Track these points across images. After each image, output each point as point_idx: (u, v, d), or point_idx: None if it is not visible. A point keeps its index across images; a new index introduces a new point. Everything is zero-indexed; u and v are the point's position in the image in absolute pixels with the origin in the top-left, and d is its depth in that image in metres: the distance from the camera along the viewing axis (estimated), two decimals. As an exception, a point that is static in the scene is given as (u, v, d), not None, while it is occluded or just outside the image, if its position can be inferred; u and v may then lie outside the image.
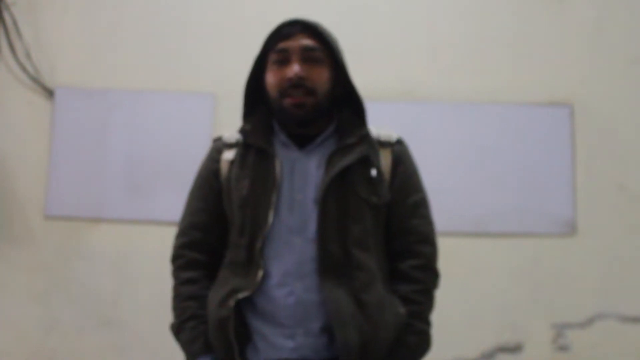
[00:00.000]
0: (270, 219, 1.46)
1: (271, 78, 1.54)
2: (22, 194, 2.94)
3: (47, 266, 2.90)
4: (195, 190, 1.65)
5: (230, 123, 2.95)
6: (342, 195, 1.47)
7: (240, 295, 1.43)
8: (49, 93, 3.00)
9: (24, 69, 3.00)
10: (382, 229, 1.54)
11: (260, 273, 1.43)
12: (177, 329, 1.56)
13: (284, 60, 1.52)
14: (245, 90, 1.64)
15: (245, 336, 1.44)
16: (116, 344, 2.86)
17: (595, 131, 2.96)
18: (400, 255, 1.54)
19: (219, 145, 1.63)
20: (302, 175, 1.51)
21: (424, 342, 1.52)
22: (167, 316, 2.84)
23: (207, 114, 2.98)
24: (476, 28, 3.04)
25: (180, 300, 1.57)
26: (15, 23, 3.00)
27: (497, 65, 3.01)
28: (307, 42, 1.53)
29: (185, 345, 1.53)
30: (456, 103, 2.98)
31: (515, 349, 2.85)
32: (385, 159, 1.56)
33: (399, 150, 1.59)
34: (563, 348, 2.84)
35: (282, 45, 1.54)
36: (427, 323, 1.53)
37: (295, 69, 1.49)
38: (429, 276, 1.55)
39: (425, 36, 3.05)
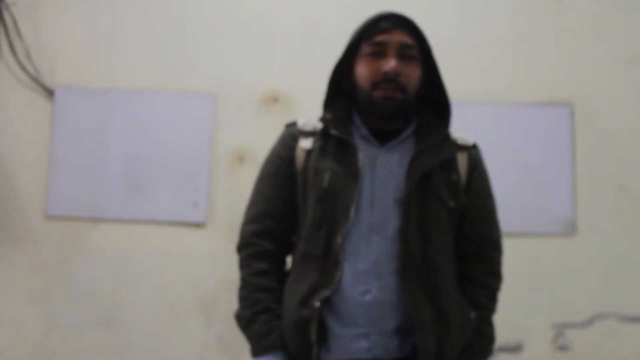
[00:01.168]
0: (352, 214, 1.44)
1: (364, 69, 1.52)
2: (22, 194, 2.94)
3: (47, 266, 2.90)
4: (268, 177, 1.59)
5: (230, 123, 2.97)
6: (423, 196, 1.47)
7: (324, 295, 1.41)
8: (49, 93, 3.00)
9: (24, 69, 3.00)
10: (454, 232, 1.55)
11: (339, 271, 1.42)
12: (248, 320, 1.50)
13: (380, 53, 1.51)
14: (330, 80, 1.61)
15: (322, 336, 1.43)
16: (116, 344, 2.86)
17: (595, 131, 2.96)
18: (471, 259, 1.57)
19: (293, 132, 1.60)
20: (384, 171, 1.50)
21: (490, 346, 1.58)
22: (167, 316, 2.86)
23: (207, 113, 2.98)
24: (476, 28, 3.04)
25: (252, 290, 1.51)
26: (15, 23, 3.00)
27: (496, 65, 3.01)
28: (405, 38, 1.52)
29: (257, 337, 1.48)
30: (456, 103, 2.94)
31: (515, 348, 2.85)
32: (462, 162, 1.57)
33: (475, 155, 1.62)
34: (563, 348, 2.84)
35: (380, 38, 1.52)
36: (492, 327, 1.59)
37: (392, 63, 1.48)
38: (496, 281, 1.61)
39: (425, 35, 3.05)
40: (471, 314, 1.51)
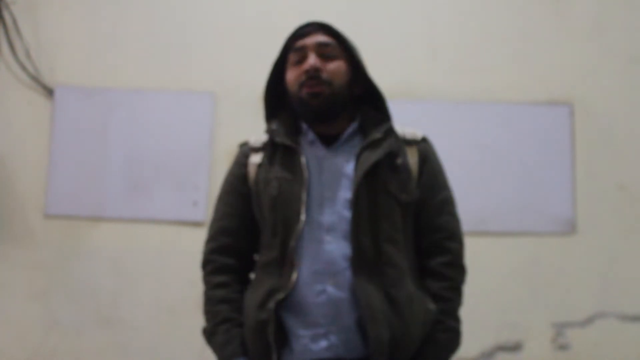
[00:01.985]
0: (303, 217, 1.46)
1: (290, 75, 1.58)
2: (22, 193, 2.94)
3: (46, 265, 2.90)
4: (224, 196, 1.65)
5: (230, 122, 2.97)
6: (372, 192, 1.49)
7: (279, 297, 1.43)
8: (49, 92, 3.00)
9: (23, 68, 3.00)
10: (411, 226, 1.56)
11: (295, 273, 1.44)
12: (210, 332, 1.54)
13: (302, 58, 1.57)
14: (265, 94, 1.69)
15: (281, 338, 1.44)
16: (116, 343, 2.86)
17: (595, 130, 2.96)
18: (428, 252, 1.57)
19: (245, 150, 1.66)
20: (331, 172, 1.53)
21: (455, 339, 1.56)
22: (167, 315, 2.86)
23: (207, 113, 2.98)
24: (476, 27, 3.04)
25: (212, 304, 1.56)
26: (15, 22, 3.00)
27: (496, 64, 3.01)
28: (322, 38, 1.58)
29: (219, 347, 1.51)
30: (456, 102, 2.98)
31: (515, 348, 2.85)
32: (412, 156, 1.58)
33: (424, 148, 1.62)
34: (563, 347, 2.84)
35: (299, 43, 1.58)
36: (457, 320, 1.57)
37: (311, 60, 1.54)
38: (457, 272, 1.59)
39: (425, 35, 3.05)
40: (430, 305, 1.51)
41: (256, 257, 1.61)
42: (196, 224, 2.91)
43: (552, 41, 3.02)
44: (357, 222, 1.46)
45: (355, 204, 1.47)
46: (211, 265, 1.60)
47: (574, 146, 2.95)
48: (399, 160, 1.54)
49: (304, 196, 1.48)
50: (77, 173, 2.94)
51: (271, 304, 1.43)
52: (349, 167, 1.52)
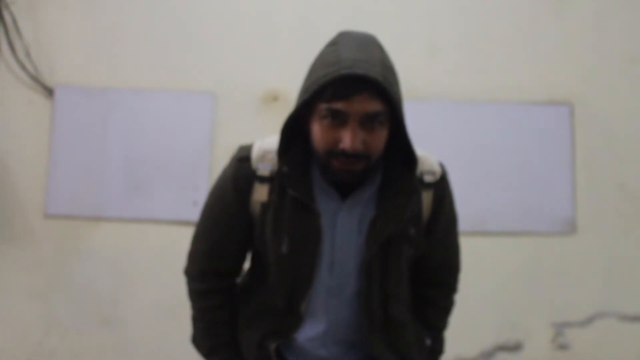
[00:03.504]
0: (315, 280, 1.38)
1: (319, 134, 1.29)
2: (22, 193, 2.94)
3: (46, 265, 2.90)
4: (220, 218, 1.46)
5: (230, 122, 2.97)
6: (385, 256, 1.40)
7: (277, 341, 1.42)
8: (49, 92, 3.00)
9: (23, 68, 3.00)
10: (412, 263, 1.50)
11: (299, 328, 1.42)
12: (209, 351, 1.51)
13: (338, 123, 1.26)
14: (283, 129, 1.35)
15: None
16: (116, 343, 2.86)
17: (595, 130, 2.96)
18: (431, 285, 1.55)
19: (248, 174, 1.40)
20: (344, 232, 1.38)
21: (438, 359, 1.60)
22: (167, 315, 2.86)
23: (207, 112, 2.98)
24: (476, 27, 3.04)
25: (210, 324, 1.51)
26: (14, 22, 3.00)
27: (496, 64, 3.01)
28: (369, 106, 1.24)
29: None
30: (456, 102, 2.98)
31: (515, 347, 2.85)
32: (426, 200, 1.44)
33: (441, 189, 1.46)
34: (563, 347, 2.84)
35: (339, 106, 1.24)
36: (442, 344, 1.61)
37: (352, 142, 1.25)
38: (452, 300, 1.61)
39: (425, 35, 3.05)
40: (427, 341, 1.52)
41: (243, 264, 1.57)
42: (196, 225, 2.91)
43: (552, 41, 3.02)
44: (368, 293, 1.39)
45: (368, 275, 1.38)
46: (204, 285, 1.50)
47: (574, 146, 2.95)
48: (412, 231, 1.41)
49: (317, 260, 1.36)
50: (77, 173, 2.94)
51: (271, 346, 1.42)
52: (363, 228, 1.37)
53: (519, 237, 2.90)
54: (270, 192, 1.38)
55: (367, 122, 1.26)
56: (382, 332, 1.42)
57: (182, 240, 2.86)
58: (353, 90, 1.23)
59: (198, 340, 1.54)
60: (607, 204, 2.91)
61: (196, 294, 1.52)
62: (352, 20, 2.99)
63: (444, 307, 1.58)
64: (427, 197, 1.43)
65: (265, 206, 1.39)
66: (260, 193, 1.39)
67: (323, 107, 1.26)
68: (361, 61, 1.23)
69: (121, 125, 2.98)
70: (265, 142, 1.43)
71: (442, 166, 1.48)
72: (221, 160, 2.97)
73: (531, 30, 3.03)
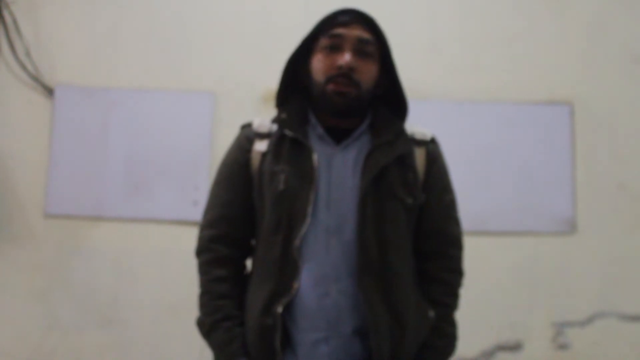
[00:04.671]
0: (309, 216, 1.41)
1: (319, 62, 1.50)
2: (22, 193, 2.94)
3: (47, 265, 2.90)
4: (224, 181, 1.57)
5: (230, 122, 2.96)
6: (379, 196, 1.44)
7: (283, 301, 1.40)
8: (49, 91, 3.00)
9: (23, 68, 3.00)
10: (412, 229, 1.52)
11: (298, 276, 1.40)
12: (210, 327, 1.49)
13: (336, 47, 1.48)
14: (282, 75, 1.59)
15: (284, 342, 1.41)
16: (116, 343, 2.86)
17: (595, 130, 2.96)
18: (429, 257, 1.54)
19: (249, 134, 1.57)
20: (339, 172, 1.47)
21: (451, 344, 1.55)
22: (167, 315, 2.86)
23: (207, 112, 2.98)
24: (476, 26, 3.04)
25: (213, 297, 1.50)
26: (15, 21, 3.00)
27: (497, 63, 3.01)
28: (362, 33, 1.49)
29: (220, 345, 1.48)
30: (456, 101, 2.99)
31: (515, 347, 2.85)
32: (419, 157, 1.53)
33: (433, 150, 1.57)
34: (563, 346, 2.84)
35: (337, 31, 1.49)
36: (453, 325, 1.55)
37: (347, 57, 1.46)
38: (456, 278, 1.57)
39: (426, 34, 3.05)
40: (430, 313, 1.49)
41: (252, 242, 1.57)
42: (196, 224, 2.89)
43: (552, 40, 3.02)
44: (362, 229, 1.42)
45: (362, 209, 1.42)
46: (210, 254, 1.53)
47: (574, 145, 2.95)
48: (410, 174, 1.49)
49: (312, 195, 1.42)
50: (77, 173, 2.94)
51: (277, 309, 1.40)
52: (357, 168, 1.46)
53: (519, 236, 2.90)
54: (269, 143, 1.52)
55: (360, 49, 1.47)
56: (377, 279, 1.41)
57: (182, 240, 2.89)
58: (350, 19, 1.49)
59: (200, 319, 1.52)
60: (607, 204, 2.91)
61: (204, 265, 1.54)
62: (352, 20, 2.99)
63: (445, 282, 1.54)
64: (419, 154, 1.54)
65: (264, 155, 1.51)
66: (260, 146, 1.53)
67: (324, 37, 1.49)
68: (357, 8, 1.52)
69: (121, 125, 2.98)
70: (263, 117, 1.62)
71: (433, 134, 1.60)
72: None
73: (531, 30, 3.03)
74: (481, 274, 2.86)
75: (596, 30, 3.02)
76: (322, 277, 1.42)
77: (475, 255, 2.96)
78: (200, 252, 1.56)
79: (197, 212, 2.91)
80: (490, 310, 2.85)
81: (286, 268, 1.42)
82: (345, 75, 1.45)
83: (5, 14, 2.99)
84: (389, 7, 3.04)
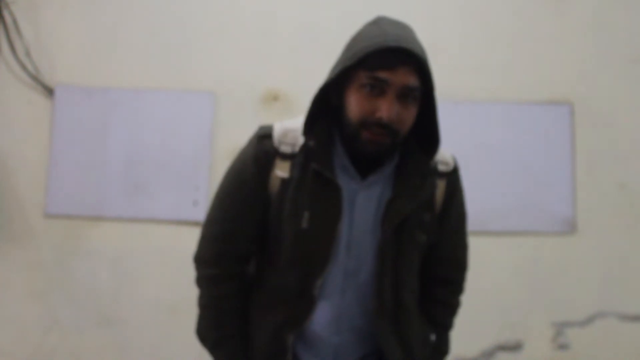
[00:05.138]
0: (332, 258, 1.38)
1: (356, 102, 1.33)
2: (22, 193, 2.94)
3: (46, 265, 2.90)
4: (235, 194, 1.45)
5: (230, 121, 2.97)
6: (398, 241, 1.41)
7: (294, 332, 1.39)
8: (49, 91, 3.00)
9: (23, 68, 3.00)
10: (422, 257, 1.51)
11: (313, 313, 1.40)
12: (215, 343, 1.47)
13: (377, 92, 1.30)
14: (314, 99, 1.39)
15: None
16: (116, 343, 2.86)
17: (595, 130, 2.96)
18: (439, 282, 1.55)
19: (269, 151, 1.41)
20: (361, 213, 1.40)
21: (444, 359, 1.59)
22: (167, 314, 2.86)
23: (207, 112, 2.98)
24: (476, 26, 3.04)
25: (219, 313, 1.47)
26: (15, 21, 3.00)
27: (497, 63, 3.01)
28: (409, 79, 1.30)
29: None
30: (456, 101, 2.98)
31: (515, 347, 2.85)
32: (440, 188, 1.48)
33: (454, 180, 1.52)
34: (563, 346, 2.84)
35: (382, 75, 1.29)
36: (448, 344, 1.60)
37: (390, 111, 1.29)
38: (459, 299, 1.61)
39: (425, 34, 3.03)
40: (432, 336, 1.53)
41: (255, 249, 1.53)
42: (196, 224, 2.91)
43: (552, 40, 3.02)
44: (381, 275, 1.39)
45: (381, 255, 1.39)
46: (218, 270, 1.47)
47: (575, 145, 2.95)
48: (426, 216, 1.44)
49: (336, 235, 1.36)
50: (77, 172, 2.94)
51: (289, 337, 1.39)
52: (380, 210, 1.39)
53: (519, 236, 2.90)
54: (292, 169, 1.39)
55: (404, 96, 1.31)
56: (390, 319, 1.42)
57: (182, 240, 2.89)
58: (398, 61, 1.29)
59: (203, 332, 1.49)
60: (607, 204, 2.91)
61: (208, 280, 1.48)
62: (351, 20, 2.99)
63: (451, 305, 1.58)
64: (440, 186, 1.47)
65: (285, 182, 1.39)
66: (282, 169, 1.40)
67: (365, 75, 1.30)
68: (405, 38, 1.31)
69: (121, 125, 2.98)
70: (285, 122, 1.45)
71: (454, 160, 1.53)
72: (221, 160, 2.98)
73: (531, 30, 3.03)
74: (481, 274, 2.86)
75: (596, 30, 3.02)
76: (335, 317, 1.42)
77: (475, 255, 2.95)
78: (204, 263, 1.49)
79: (197, 212, 2.92)
80: (490, 310, 2.85)
81: (301, 302, 1.40)
82: (384, 126, 1.31)
83: (5, 14, 3.00)
84: (389, 7, 3.04)
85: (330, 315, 1.41)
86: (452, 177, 1.51)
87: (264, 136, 1.44)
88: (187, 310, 2.85)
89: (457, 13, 3.05)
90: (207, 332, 1.49)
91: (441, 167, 1.48)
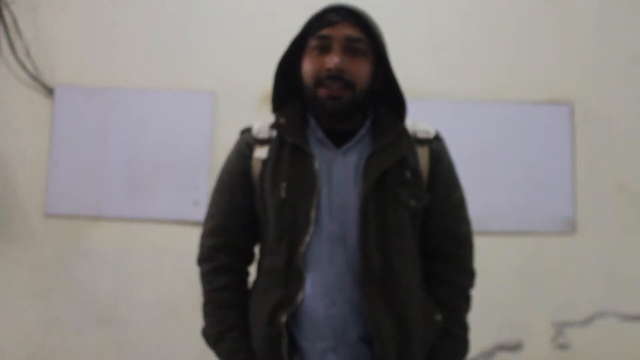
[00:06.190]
0: (312, 224, 1.39)
1: (308, 65, 1.44)
2: (22, 192, 2.94)
3: (47, 264, 2.90)
4: (224, 188, 1.54)
5: (230, 122, 2.97)
6: (382, 200, 1.41)
7: (288, 311, 1.38)
8: (49, 91, 3.00)
9: (23, 67, 3.00)
10: (418, 230, 1.49)
11: (303, 286, 1.38)
12: (216, 338, 1.48)
13: (325, 48, 1.42)
14: (275, 77, 1.53)
15: (292, 351, 1.40)
16: (116, 342, 2.86)
17: (595, 129, 2.96)
18: (437, 257, 1.50)
19: (249, 140, 1.52)
20: (340, 177, 1.43)
21: (462, 347, 1.52)
22: (167, 315, 2.86)
23: (207, 112, 2.98)
24: (477, 26, 3.04)
25: (217, 307, 1.49)
26: (15, 21, 3.00)
27: (497, 63, 3.01)
28: (351, 31, 1.42)
29: (227, 355, 1.46)
30: (456, 101, 2.98)
31: (515, 347, 2.85)
32: (423, 157, 1.49)
33: (437, 147, 1.52)
34: (563, 346, 2.84)
35: (325, 32, 1.42)
36: (464, 328, 1.53)
37: (335, 59, 1.40)
38: (465, 278, 1.53)
39: (426, 34, 3.05)
40: (437, 316, 1.45)
41: (255, 249, 1.55)
42: (196, 224, 2.90)
43: (552, 40, 3.02)
44: (365, 236, 1.38)
45: (364, 216, 1.39)
46: (212, 264, 1.51)
47: (574, 145, 2.95)
48: (408, 173, 1.44)
49: (314, 202, 1.39)
50: (77, 172, 2.94)
51: (282, 319, 1.38)
52: (359, 172, 1.42)
53: (519, 236, 2.90)
54: (270, 150, 1.48)
55: (350, 49, 1.42)
56: (379, 286, 1.38)
57: (182, 240, 2.89)
58: (338, 17, 1.43)
59: (207, 329, 1.51)
60: (607, 203, 2.91)
61: (206, 275, 1.52)
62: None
63: (455, 285, 1.50)
64: (423, 153, 1.49)
65: (265, 162, 1.47)
66: (260, 153, 1.49)
67: (312, 38, 1.44)
68: (345, 3, 1.45)
69: (121, 124, 2.98)
70: (263, 121, 1.57)
71: (438, 131, 1.55)
72: (221, 160, 2.96)
73: (531, 30, 3.03)
74: (481, 274, 2.83)
75: (596, 29, 3.02)
76: (327, 287, 1.40)
77: (476, 254, 2.96)
78: (201, 261, 1.54)
79: (197, 212, 2.92)
80: (491, 310, 2.85)
81: (291, 277, 1.40)
82: (335, 77, 1.40)
83: (5, 14, 3.00)
84: (389, 7, 3.04)
85: (320, 285, 1.39)
86: (435, 144, 1.52)
87: (244, 130, 1.57)
88: (187, 310, 2.86)
89: (457, 13, 3.05)
90: (209, 328, 1.50)
91: (421, 135, 1.51)
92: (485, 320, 2.85)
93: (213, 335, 1.48)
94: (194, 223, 2.91)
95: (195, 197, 2.92)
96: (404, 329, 1.39)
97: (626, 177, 2.93)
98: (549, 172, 2.93)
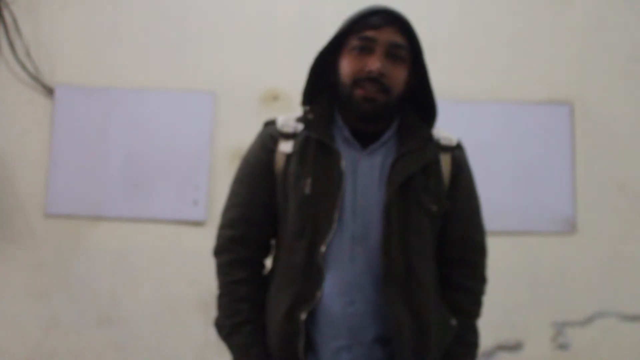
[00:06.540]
0: (335, 222, 1.39)
1: (348, 64, 1.45)
2: (22, 192, 2.94)
3: (46, 264, 2.90)
4: (246, 179, 1.53)
5: (230, 121, 2.97)
6: (405, 204, 1.42)
7: (307, 308, 1.38)
8: (49, 91, 3.00)
9: (23, 67, 3.00)
10: (436, 236, 1.50)
11: (322, 282, 1.39)
12: (230, 330, 1.47)
13: (366, 49, 1.43)
14: (310, 72, 1.54)
15: (306, 347, 1.40)
16: (116, 342, 2.86)
17: (595, 129, 2.96)
18: (454, 264, 1.52)
19: (273, 133, 1.52)
20: (365, 177, 1.44)
21: (473, 353, 1.53)
22: (167, 314, 2.86)
23: (207, 112, 2.98)
24: (476, 26, 3.04)
25: (233, 300, 1.48)
26: (15, 21, 3.00)
27: (497, 63, 3.01)
28: (395, 37, 1.45)
29: (240, 349, 1.45)
30: (456, 101, 2.98)
31: (515, 347, 2.85)
32: (445, 164, 1.51)
33: (459, 156, 1.55)
34: (563, 346, 2.84)
35: (369, 34, 1.43)
36: (476, 333, 1.54)
37: (377, 63, 1.41)
38: (480, 285, 1.56)
39: (426, 34, 3.03)
40: (452, 321, 1.48)
41: (272, 242, 1.55)
42: (196, 224, 2.91)
43: (552, 40, 3.02)
44: (388, 237, 1.40)
45: (387, 217, 1.40)
46: (230, 255, 1.50)
47: (574, 145, 2.95)
48: (432, 180, 1.47)
49: (338, 201, 1.40)
50: (77, 172, 2.94)
51: (300, 316, 1.38)
52: (383, 175, 1.44)
53: (519, 236, 2.90)
54: (295, 144, 1.48)
55: (391, 54, 1.43)
56: (400, 287, 1.39)
57: (182, 240, 2.89)
58: (384, 22, 1.44)
59: (220, 320, 1.49)
60: (607, 204, 2.91)
61: (224, 267, 1.51)
62: (352, 20, 2.99)
63: (471, 291, 1.53)
64: (445, 161, 1.51)
65: (289, 156, 1.47)
66: (285, 147, 1.49)
67: (354, 38, 1.44)
68: (390, 7, 1.48)
69: (121, 124, 2.98)
70: (287, 114, 1.57)
71: (459, 140, 1.58)
72: (221, 160, 2.98)
73: (531, 29, 3.03)
74: (481, 274, 2.86)
75: (596, 29, 3.03)
76: (346, 285, 1.40)
77: (475, 255, 2.97)
78: (219, 252, 1.53)
79: (197, 212, 2.92)
80: (490, 310, 2.83)
81: (310, 274, 1.40)
82: (374, 80, 1.41)
83: (5, 14, 3.00)
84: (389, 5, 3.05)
85: (339, 283, 1.40)
86: (457, 152, 1.55)
87: (268, 123, 1.56)
88: (187, 311, 2.86)
89: (457, 13, 3.06)
90: (223, 320, 1.49)
91: (444, 142, 1.53)
92: (485, 320, 2.84)
93: (228, 326, 1.47)
94: (193, 223, 2.91)
95: (195, 197, 2.92)
96: (422, 331, 1.40)
97: (626, 177, 2.93)
98: (549, 172, 2.93)
